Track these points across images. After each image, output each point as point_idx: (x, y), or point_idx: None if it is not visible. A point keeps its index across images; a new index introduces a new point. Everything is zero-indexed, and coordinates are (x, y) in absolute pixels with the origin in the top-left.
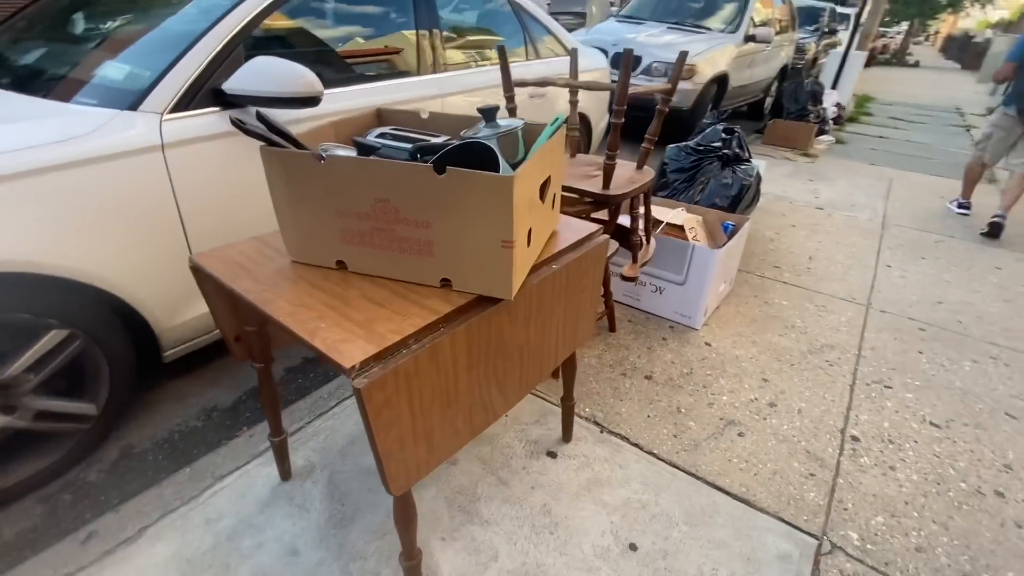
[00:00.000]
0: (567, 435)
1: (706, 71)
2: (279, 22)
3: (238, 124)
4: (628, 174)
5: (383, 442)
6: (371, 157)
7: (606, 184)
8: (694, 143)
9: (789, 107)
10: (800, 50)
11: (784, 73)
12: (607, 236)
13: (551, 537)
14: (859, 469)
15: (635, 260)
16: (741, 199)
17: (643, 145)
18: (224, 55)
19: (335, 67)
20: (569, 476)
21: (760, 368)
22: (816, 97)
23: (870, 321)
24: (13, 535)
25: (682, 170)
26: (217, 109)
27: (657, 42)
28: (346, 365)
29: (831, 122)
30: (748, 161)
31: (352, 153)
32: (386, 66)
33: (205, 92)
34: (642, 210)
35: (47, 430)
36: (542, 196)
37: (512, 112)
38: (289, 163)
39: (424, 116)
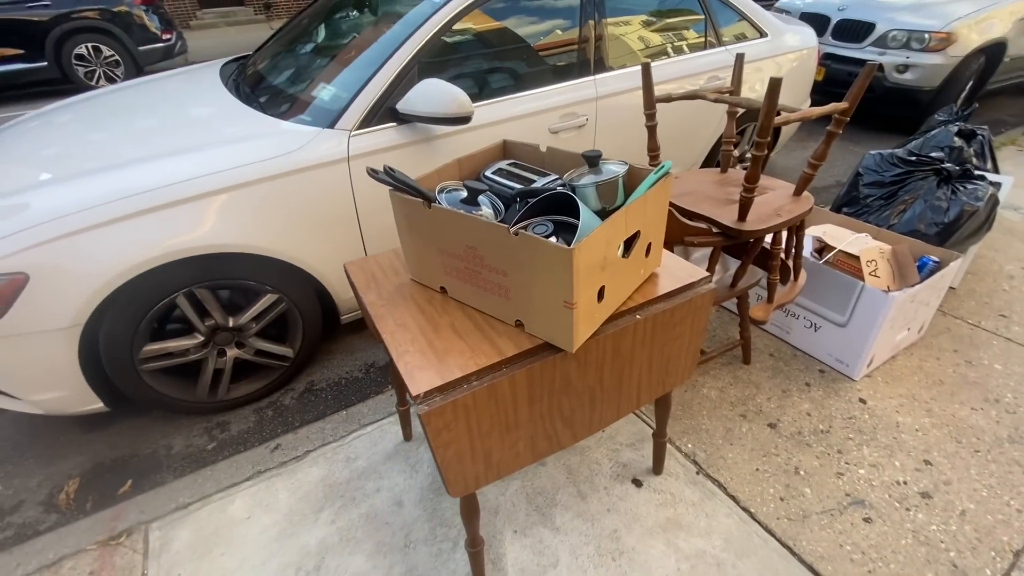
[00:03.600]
0: (658, 468)
1: (969, 40)
2: (475, 23)
3: (371, 174)
4: (779, 202)
5: (442, 456)
6: (472, 206)
7: (742, 216)
8: (905, 151)
9: None
10: None
11: None
12: (712, 287)
13: (613, 564)
14: None
15: (770, 299)
16: (957, 229)
17: (805, 170)
18: (400, 78)
19: (523, 70)
20: (649, 510)
21: (926, 446)
22: None
23: None
24: (236, 432)
25: (880, 184)
26: (393, 125)
27: (902, 2)
28: (413, 393)
29: None
30: (983, 178)
31: (464, 193)
32: (561, 66)
33: (384, 110)
34: (790, 242)
35: (262, 363)
36: (629, 249)
37: (651, 129)
38: (407, 206)
39: (543, 150)
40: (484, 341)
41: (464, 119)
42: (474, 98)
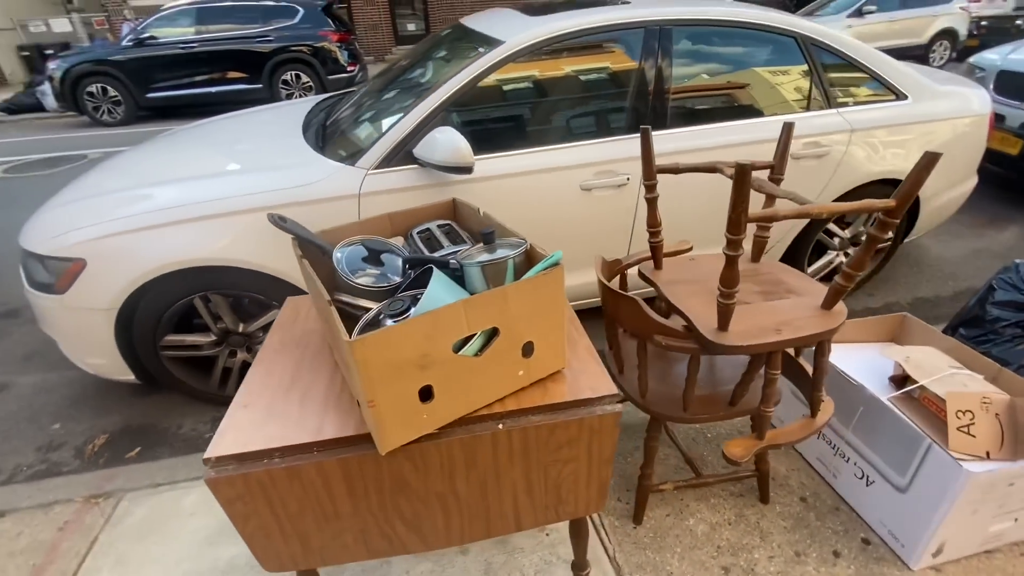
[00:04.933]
0: None
1: None
2: (515, 72)
3: (270, 219)
4: (793, 312)
5: (241, 528)
6: (375, 266)
7: (722, 325)
8: None
9: None
10: None
11: None
12: (617, 409)
13: None
14: None
15: (758, 434)
16: None
17: (837, 279)
18: (423, 125)
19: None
20: None
21: None
22: None
23: None
24: None
25: (1018, 306)
26: (414, 168)
27: None
28: (205, 455)
29: None
30: None
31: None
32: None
33: (404, 153)
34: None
35: None
36: (486, 346)
37: (651, 202)
38: (296, 253)
39: (480, 215)
40: (318, 415)
41: (464, 169)
42: (496, 148)
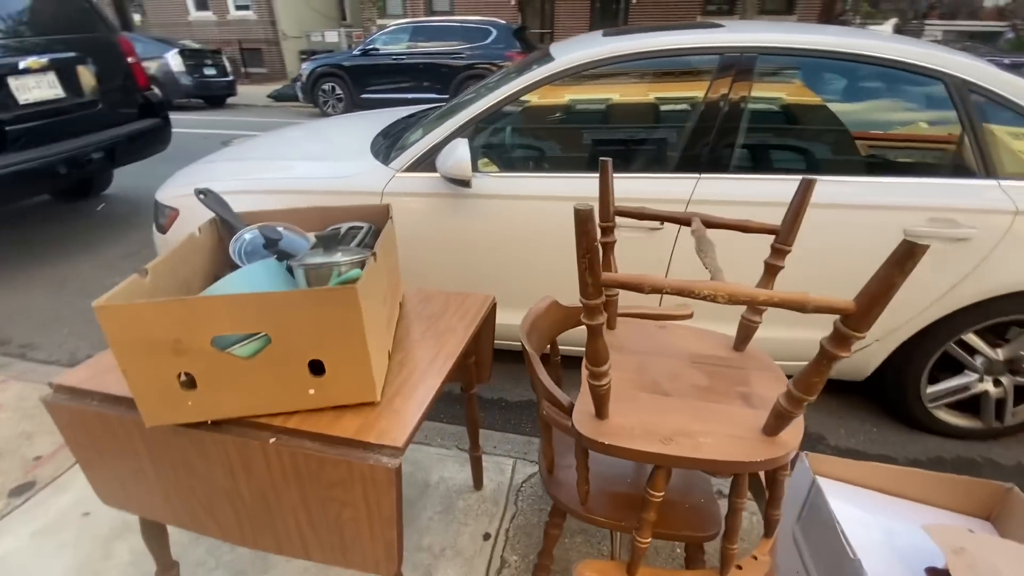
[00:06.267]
0: None
1: None
2: (557, 95)
3: (195, 192)
4: (722, 428)
5: (75, 452)
6: (272, 251)
7: (599, 411)
8: None
9: None
10: None
11: None
12: (395, 463)
13: None
14: None
15: (630, 568)
16: None
17: (781, 402)
18: (454, 136)
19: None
20: None
21: None
22: None
23: None
24: None
25: None
26: (436, 175)
27: None
28: (51, 380)
29: None
30: None
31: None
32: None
33: (430, 161)
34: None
35: None
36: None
37: (606, 248)
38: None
39: (389, 223)
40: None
41: (461, 183)
42: (521, 168)
